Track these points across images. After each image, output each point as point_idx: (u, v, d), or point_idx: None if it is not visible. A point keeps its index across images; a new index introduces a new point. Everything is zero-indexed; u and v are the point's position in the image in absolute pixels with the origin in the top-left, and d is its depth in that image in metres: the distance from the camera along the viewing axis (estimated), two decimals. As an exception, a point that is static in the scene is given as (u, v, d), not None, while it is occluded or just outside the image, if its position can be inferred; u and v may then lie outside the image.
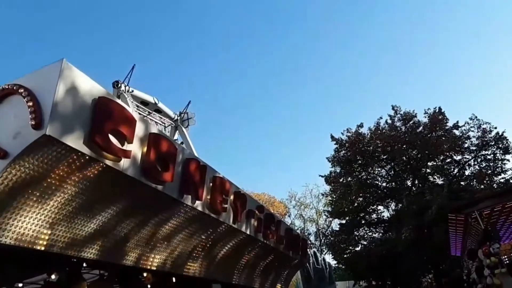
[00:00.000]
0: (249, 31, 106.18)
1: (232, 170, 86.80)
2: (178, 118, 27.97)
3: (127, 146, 6.20)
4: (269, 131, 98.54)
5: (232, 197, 10.51)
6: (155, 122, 23.30)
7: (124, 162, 6.11)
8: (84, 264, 8.12)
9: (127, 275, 9.44)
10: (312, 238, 55.92)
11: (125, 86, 22.47)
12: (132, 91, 21.17)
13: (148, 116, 22.35)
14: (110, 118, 5.86)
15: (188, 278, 10.69)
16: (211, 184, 9.21)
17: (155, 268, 8.78)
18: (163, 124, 24.71)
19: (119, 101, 6.80)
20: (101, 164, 5.77)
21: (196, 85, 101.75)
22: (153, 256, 8.61)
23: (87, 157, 5.51)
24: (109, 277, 9.49)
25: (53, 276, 7.55)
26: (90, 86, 5.63)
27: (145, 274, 10.73)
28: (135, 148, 6.43)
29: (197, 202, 8.48)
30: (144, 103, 21.74)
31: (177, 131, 26.79)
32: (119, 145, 6.00)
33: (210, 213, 9.14)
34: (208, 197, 9.05)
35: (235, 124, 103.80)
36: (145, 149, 6.70)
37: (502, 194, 11.63)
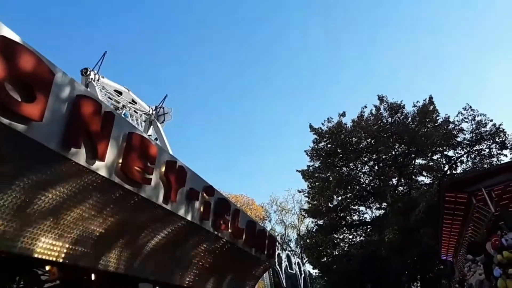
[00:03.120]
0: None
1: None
2: (154, 112, 27.86)
3: None
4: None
5: (163, 168, 8.32)
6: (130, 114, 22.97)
7: None
8: None
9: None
10: (292, 245, 54.31)
11: (94, 74, 22.22)
12: (102, 77, 20.59)
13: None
14: None
15: (111, 275, 8.53)
16: (124, 143, 6.99)
17: (40, 256, 6.54)
18: (139, 115, 24.86)
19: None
20: None
21: (175, 81, 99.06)
22: (35, 237, 6.35)
23: None
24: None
25: None
26: None
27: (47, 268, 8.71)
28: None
29: (98, 162, 6.26)
30: (118, 92, 21.64)
31: (152, 126, 26.12)
32: None
33: (123, 183, 6.92)
34: (120, 160, 6.83)
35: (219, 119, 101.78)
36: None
37: None
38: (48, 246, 6.52)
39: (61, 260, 6.82)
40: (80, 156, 5.91)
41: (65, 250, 6.85)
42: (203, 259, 11.96)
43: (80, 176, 6.22)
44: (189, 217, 9.49)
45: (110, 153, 6.53)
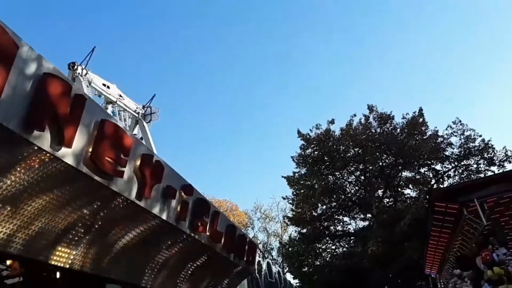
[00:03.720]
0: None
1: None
2: (141, 111, 27.73)
3: None
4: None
5: (138, 161, 7.87)
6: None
7: None
8: None
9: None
10: (274, 253, 53.89)
11: (82, 69, 22.46)
12: (88, 71, 21.24)
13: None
14: None
15: (77, 273, 8.04)
16: (96, 131, 6.55)
17: None
18: (127, 115, 25.30)
19: None
20: None
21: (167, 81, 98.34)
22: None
23: None
24: None
25: None
26: None
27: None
28: None
29: (64, 149, 5.81)
30: (106, 86, 21.87)
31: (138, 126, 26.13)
32: None
33: (92, 174, 6.46)
34: (89, 149, 6.38)
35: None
36: None
37: None
38: (4, 237, 6.04)
39: (19, 253, 6.35)
40: (43, 140, 5.45)
41: (24, 243, 6.37)
42: (178, 262, 11.51)
43: (44, 163, 5.76)
44: (164, 216, 9.05)
45: (79, 140, 6.08)
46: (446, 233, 11.15)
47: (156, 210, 8.69)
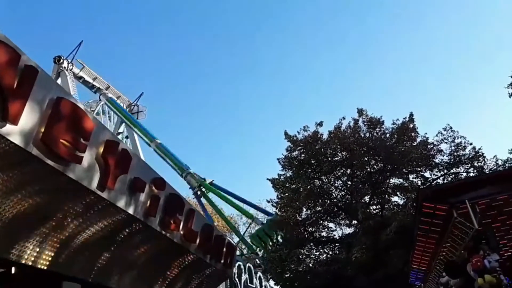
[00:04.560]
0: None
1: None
2: (127, 109, 27.27)
3: None
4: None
5: (101, 148, 7.29)
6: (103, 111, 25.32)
7: None
8: None
9: None
10: (258, 259, 53.09)
11: (68, 63, 22.25)
12: (74, 65, 21.66)
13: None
14: None
15: (34, 269, 7.44)
16: (50, 110, 5.96)
17: None
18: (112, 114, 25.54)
19: None
20: None
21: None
22: None
23: None
24: None
25: None
26: None
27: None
28: None
29: (9, 126, 5.23)
30: (94, 78, 24.05)
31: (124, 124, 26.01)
32: None
33: (44, 157, 5.87)
34: (42, 129, 5.80)
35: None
36: None
37: (510, 176, 8.58)
38: None
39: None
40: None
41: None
42: (148, 262, 10.90)
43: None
44: (130, 211, 8.48)
45: (28, 117, 5.51)
46: (433, 238, 10.67)
47: (121, 204, 8.12)
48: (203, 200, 41.04)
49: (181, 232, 11.16)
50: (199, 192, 41.34)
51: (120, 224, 8.71)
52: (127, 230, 9.11)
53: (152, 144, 41.33)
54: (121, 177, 7.85)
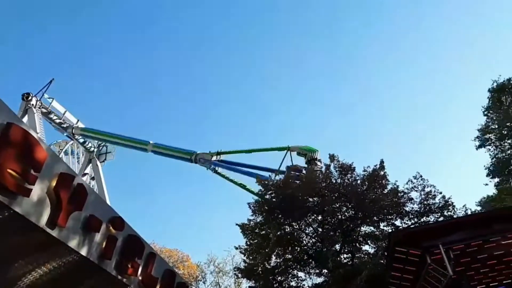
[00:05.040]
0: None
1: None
2: (95, 149, 26.53)
3: None
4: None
5: (53, 181, 6.78)
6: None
7: None
8: None
9: None
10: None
11: (36, 101, 21.81)
12: (42, 103, 21.48)
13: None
14: None
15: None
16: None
17: None
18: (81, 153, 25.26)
19: None
20: None
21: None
22: None
23: None
24: None
25: None
26: None
27: None
28: None
29: None
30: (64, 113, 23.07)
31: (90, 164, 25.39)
32: None
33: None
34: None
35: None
36: None
37: (485, 220, 8.43)
38: None
39: None
40: None
41: None
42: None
43: None
44: (83, 252, 7.85)
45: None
46: (406, 286, 10.34)
47: (73, 243, 7.50)
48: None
49: (140, 278, 10.43)
50: (217, 168, 42.31)
51: (71, 267, 8.04)
52: (79, 273, 8.43)
53: (148, 147, 40.20)
54: (74, 214, 7.30)
